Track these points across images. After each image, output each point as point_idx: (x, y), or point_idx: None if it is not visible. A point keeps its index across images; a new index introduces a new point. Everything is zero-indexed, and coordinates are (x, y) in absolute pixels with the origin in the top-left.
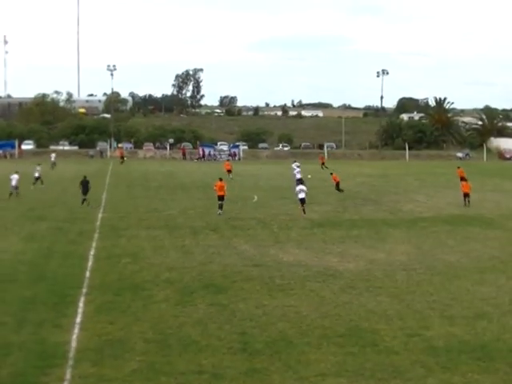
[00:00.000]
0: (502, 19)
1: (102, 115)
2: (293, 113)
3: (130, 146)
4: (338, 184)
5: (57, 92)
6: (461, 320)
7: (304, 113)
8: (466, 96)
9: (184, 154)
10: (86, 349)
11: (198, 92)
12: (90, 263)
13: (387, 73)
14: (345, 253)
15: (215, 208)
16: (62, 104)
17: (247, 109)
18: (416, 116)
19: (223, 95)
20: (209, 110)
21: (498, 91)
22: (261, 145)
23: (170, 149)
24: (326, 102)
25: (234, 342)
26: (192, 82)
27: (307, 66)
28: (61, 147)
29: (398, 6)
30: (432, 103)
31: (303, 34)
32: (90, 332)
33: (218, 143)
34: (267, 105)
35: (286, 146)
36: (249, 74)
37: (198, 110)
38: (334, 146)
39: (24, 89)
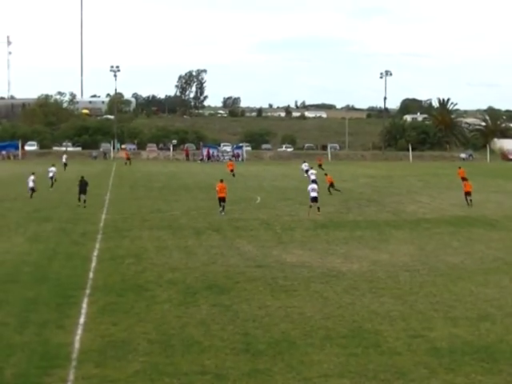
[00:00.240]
0: (506, 20)
1: (105, 116)
2: (296, 114)
3: (133, 147)
4: (331, 185)
5: (60, 93)
6: (464, 321)
7: (307, 114)
8: (470, 97)
9: (187, 155)
10: (89, 350)
11: (202, 93)
12: (93, 264)
13: (390, 74)
14: (348, 254)
15: (218, 209)
16: (65, 105)
17: (250, 110)
18: (419, 117)
19: (226, 96)
20: (212, 111)
21: (501, 92)
22: (264, 146)
23: (173, 150)
24: (329, 103)
25: (237, 343)
26: (195, 83)
27: (311, 67)
28: (64, 148)
29: (401, 7)
30: (435, 104)
31: (306, 35)
32: (93, 333)
33: (222, 144)
34: (271, 106)
35: (290, 147)
36: (252, 75)
37: (201, 111)
38: (338, 146)
39: (27, 90)
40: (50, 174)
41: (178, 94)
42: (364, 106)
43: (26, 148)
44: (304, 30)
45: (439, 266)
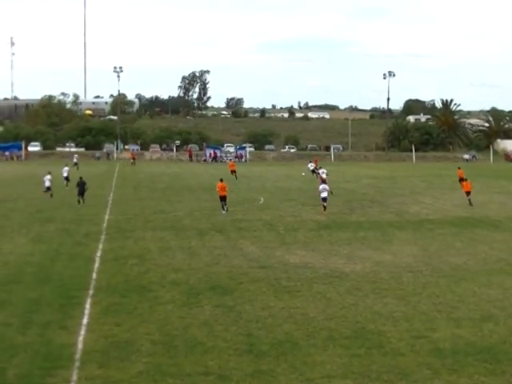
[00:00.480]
0: (509, 21)
1: (108, 117)
2: (299, 115)
3: (136, 147)
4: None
5: (63, 94)
6: (467, 322)
7: (311, 115)
8: (473, 98)
9: (190, 156)
10: (92, 350)
11: (205, 94)
12: (96, 265)
13: (394, 75)
14: (351, 255)
15: (221, 210)
16: (68, 106)
17: (254, 111)
18: (422, 118)
19: (230, 97)
20: (215, 112)
21: (504, 93)
22: (267, 146)
23: (176, 150)
24: (332, 103)
25: (240, 344)
26: (198, 84)
27: (314, 67)
28: (67, 149)
29: (404, 8)
30: (438, 105)
31: (310, 36)
32: (96, 334)
33: (225, 145)
34: (274, 107)
35: (293, 148)
36: (255, 76)
37: (204, 112)
38: (341, 147)
39: (31, 90)
40: (65, 174)
41: (181, 94)
42: (367, 106)
43: (30, 149)
44: (307, 31)
45: (442, 267)
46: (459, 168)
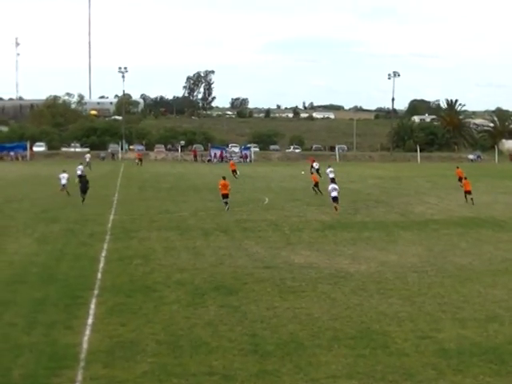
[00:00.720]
0: None
1: (113, 117)
2: (304, 115)
3: (141, 147)
4: (316, 184)
5: (68, 94)
6: (472, 322)
7: (315, 115)
8: (478, 98)
9: (195, 156)
10: (97, 350)
11: (210, 94)
12: (101, 265)
13: (398, 75)
14: (356, 255)
15: (226, 210)
16: (73, 106)
17: (258, 111)
18: (427, 118)
19: (234, 97)
20: (220, 112)
21: (509, 93)
22: (272, 147)
23: (181, 151)
24: (337, 104)
25: (245, 344)
26: (203, 84)
27: (319, 68)
28: (72, 149)
29: (409, 8)
30: (443, 105)
31: (314, 36)
32: (101, 334)
33: (230, 145)
34: (278, 107)
35: (298, 148)
36: (260, 76)
37: (209, 112)
38: (346, 148)
39: (35, 91)
40: (78, 172)
41: (186, 94)
42: (372, 106)
43: (35, 149)
44: (312, 31)
45: (447, 267)
46: (458, 167)
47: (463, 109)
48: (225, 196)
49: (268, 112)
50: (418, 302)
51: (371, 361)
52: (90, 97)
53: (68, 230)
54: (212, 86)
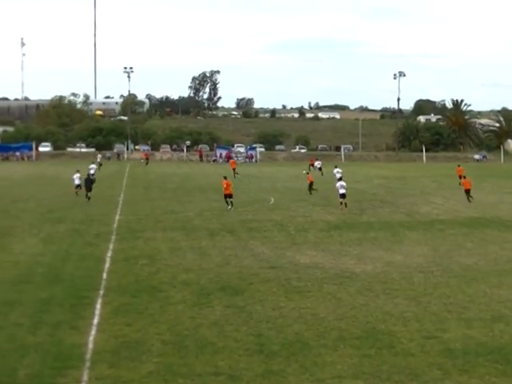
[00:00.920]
0: None
1: (118, 117)
2: (310, 115)
3: (146, 148)
4: (311, 184)
5: (74, 94)
6: (478, 322)
7: (321, 115)
8: (484, 98)
9: (201, 156)
10: (102, 350)
11: (215, 94)
12: (106, 265)
13: (404, 75)
14: (362, 255)
15: (232, 210)
16: (78, 106)
17: (264, 111)
18: (433, 118)
19: (240, 97)
20: (226, 112)
21: None
22: (278, 147)
23: (186, 151)
24: (343, 104)
25: (251, 344)
26: (209, 84)
27: (324, 68)
28: (78, 149)
29: (415, 8)
30: (449, 105)
31: (320, 36)
32: (106, 334)
33: (235, 145)
34: (284, 107)
35: (303, 148)
36: (266, 76)
37: (214, 112)
38: (351, 148)
39: (41, 91)
40: (91, 171)
41: (192, 95)
42: (378, 106)
43: (40, 149)
44: (317, 31)
45: (453, 267)
46: (459, 165)
47: (469, 109)
48: (228, 196)
49: (273, 112)
50: (423, 302)
51: (377, 361)
52: (95, 97)
53: (74, 230)
54: (217, 86)
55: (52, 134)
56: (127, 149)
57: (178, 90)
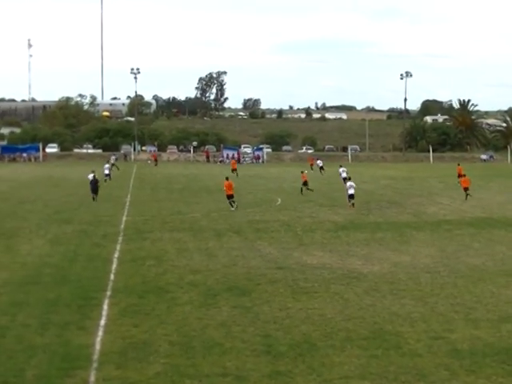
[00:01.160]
0: None
1: (125, 118)
2: (316, 115)
3: (153, 148)
4: (305, 183)
5: (81, 95)
6: (485, 323)
7: (328, 115)
8: (490, 98)
9: (208, 157)
10: (110, 351)
11: (222, 95)
12: (114, 266)
13: (411, 75)
14: (369, 255)
15: (239, 211)
16: (85, 107)
17: (271, 111)
18: (440, 118)
19: (247, 98)
20: (232, 113)
21: None
22: (284, 147)
23: (193, 152)
24: (349, 104)
25: (258, 345)
26: (215, 85)
27: (331, 68)
28: (84, 150)
29: (421, 8)
30: (456, 105)
31: (327, 36)
32: (114, 335)
33: (242, 146)
34: (291, 107)
35: (310, 149)
36: (272, 77)
37: (221, 113)
38: (358, 148)
39: (48, 92)
40: (106, 172)
41: (199, 95)
42: (384, 107)
43: (47, 150)
44: (324, 31)
45: (460, 268)
46: (459, 164)
47: (475, 109)
48: (230, 196)
49: (280, 113)
50: (430, 303)
51: (384, 361)
52: (102, 98)
53: (81, 231)
54: (224, 86)
55: (59, 135)
56: (134, 150)
57: (185, 90)
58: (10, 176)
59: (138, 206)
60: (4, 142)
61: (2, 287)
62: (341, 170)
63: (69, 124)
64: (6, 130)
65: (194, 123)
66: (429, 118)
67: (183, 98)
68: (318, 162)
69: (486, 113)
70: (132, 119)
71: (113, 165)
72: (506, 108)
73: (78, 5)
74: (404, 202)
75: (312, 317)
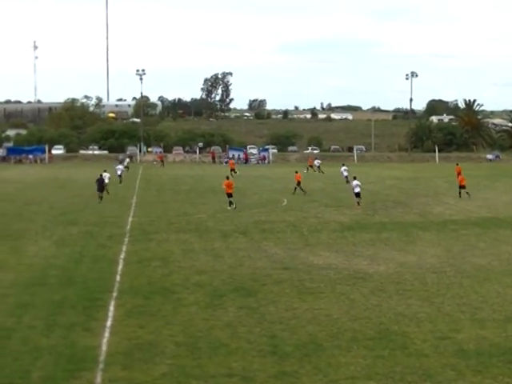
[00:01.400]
0: None
1: (131, 119)
2: (322, 116)
3: (159, 150)
4: (299, 183)
5: (86, 97)
6: (491, 323)
7: (333, 116)
8: (496, 97)
9: (213, 158)
10: (115, 352)
11: (227, 96)
12: (119, 267)
13: (416, 75)
14: (375, 256)
15: (244, 211)
16: (91, 109)
17: (276, 112)
18: (445, 118)
19: (252, 99)
20: (238, 114)
21: None
22: (290, 148)
23: (199, 153)
24: (355, 104)
25: (264, 345)
26: (221, 86)
27: (336, 68)
28: (90, 152)
29: (426, 8)
30: (461, 105)
31: (332, 36)
32: (119, 336)
33: (248, 146)
34: (296, 108)
35: (316, 149)
36: (278, 78)
37: (227, 114)
38: (364, 148)
39: (54, 94)
40: (119, 172)
41: (204, 96)
42: (390, 107)
43: (53, 152)
44: (328, 31)
45: (466, 268)
46: (457, 164)
47: (481, 109)
48: (229, 195)
49: (286, 113)
50: (436, 303)
51: (390, 362)
52: (107, 99)
53: (87, 232)
54: (230, 87)
55: (65, 137)
56: (140, 151)
57: (190, 91)
58: (17, 178)
59: (143, 207)
60: (10, 144)
61: (9, 289)
62: (342, 168)
63: (74, 125)
64: (12, 132)
65: (200, 124)
66: (434, 118)
67: (189, 99)
68: (316, 161)
69: (492, 112)
70: (138, 120)
71: (126, 167)
72: (511, 108)
73: (83, 6)
74: (410, 202)
75: (318, 317)
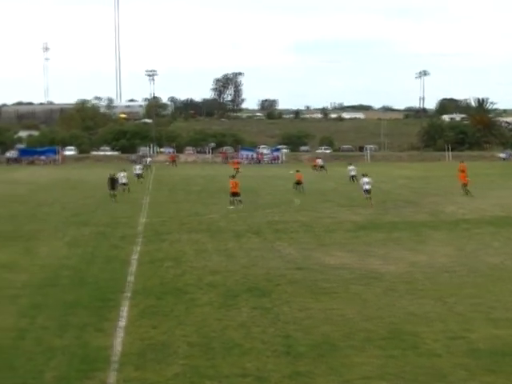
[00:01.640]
0: None
1: (142, 120)
2: (333, 115)
3: (171, 150)
4: (299, 182)
5: (97, 98)
6: (505, 322)
7: (344, 115)
8: (508, 96)
9: (225, 158)
10: (128, 353)
11: (239, 96)
12: (132, 268)
13: (427, 74)
14: (387, 255)
15: (257, 211)
16: (102, 110)
17: (288, 112)
18: (457, 117)
19: (263, 99)
20: (249, 114)
21: None
22: (302, 148)
23: (211, 153)
24: (366, 104)
25: (278, 345)
26: (232, 86)
27: (347, 68)
28: (102, 153)
29: (437, 7)
30: (473, 104)
31: (343, 36)
32: (132, 336)
33: (260, 147)
34: (307, 107)
35: (328, 149)
36: (289, 77)
37: (238, 114)
38: (375, 148)
39: (65, 95)
40: (137, 171)
41: (215, 97)
42: (401, 106)
43: (65, 153)
44: (339, 31)
45: (479, 267)
46: (462, 161)
47: (493, 107)
48: (235, 194)
49: (297, 113)
50: (448, 303)
51: (402, 362)
52: (119, 100)
53: (99, 233)
54: (241, 87)
55: (76, 138)
56: (152, 151)
57: (202, 92)
58: (29, 179)
59: (155, 207)
60: (23, 145)
61: (22, 289)
62: (350, 168)
63: (86, 126)
64: (24, 133)
65: (211, 124)
66: (446, 117)
67: (200, 100)
68: (318, 160)
69: (505, 111)
70: (149, 121)
71: (145, 166)
72: None
73: (93, 7)
74: (421, 202)
75: (332, 317)
